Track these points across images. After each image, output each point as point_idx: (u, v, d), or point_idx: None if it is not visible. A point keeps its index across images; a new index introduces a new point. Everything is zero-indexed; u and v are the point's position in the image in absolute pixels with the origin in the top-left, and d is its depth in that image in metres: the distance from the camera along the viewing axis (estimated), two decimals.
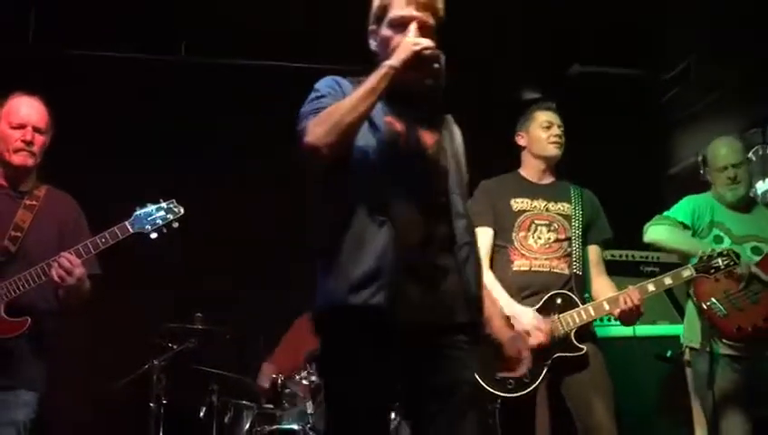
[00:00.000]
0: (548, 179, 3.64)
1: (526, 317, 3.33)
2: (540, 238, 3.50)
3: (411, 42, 2.18)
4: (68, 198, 3.29)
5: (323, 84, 2.35)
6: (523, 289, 3.43)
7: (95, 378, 4.50)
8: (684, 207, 3.80)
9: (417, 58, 2.15)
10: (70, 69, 5.00)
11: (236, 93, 5.14)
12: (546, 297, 3.41)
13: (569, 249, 3.50)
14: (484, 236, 3.48)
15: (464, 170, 2.44)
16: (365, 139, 2.25)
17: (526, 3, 4.80)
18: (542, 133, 3.60)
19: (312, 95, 2.33)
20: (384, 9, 2.34)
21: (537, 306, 3.40)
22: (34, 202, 3.15)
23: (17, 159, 3.10)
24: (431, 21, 2.30)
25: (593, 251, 3.60)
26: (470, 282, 2.30)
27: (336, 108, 2.20)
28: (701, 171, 3.94)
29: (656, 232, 3.76)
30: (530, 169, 3.65)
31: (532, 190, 3.59)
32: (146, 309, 4.59)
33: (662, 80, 5.49)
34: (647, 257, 4.73)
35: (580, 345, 3.37)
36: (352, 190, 2.24)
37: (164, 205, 3.20)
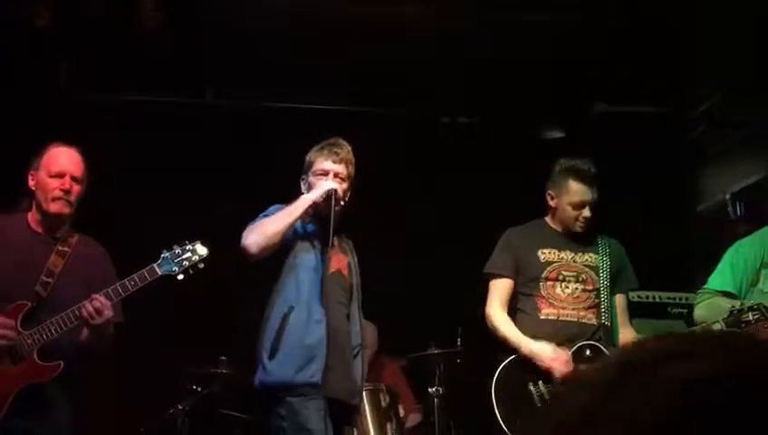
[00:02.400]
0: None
1: (545, 353, 3.34)
2: (567, 288, 3.52)
3: (325, 184, 3.21)
4: (98, 246, 3.35)
5: (270, 209, 3.27)
6: (550, 338, 3.43)
7: (121, 422, 4.49)
8: (724, 269, 3.60)
9: (326, 194, 3.18)
10: (100, 114, 5.08)
11: (263, 136, 5.18)
12: (575, 348, 3.40)
13: (597, 300, 3.51)
14: (503, 286, 3.56)
15: (359, 286, 3.39)
16: (309, 258, 3.21)
17: (551, 41, 4.81)
18: (571, 211, 3.58)
19: (261, 214, 3.26)
20: (311, 164, 3.33)
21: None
22: (66, 248, 3.21)
23: (54, 208, 3.16)
24: (345, 171, 3.30)
25: (618, 300, 3.61)
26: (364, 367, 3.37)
27: (266, 221, 3.18)
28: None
29: (697, 314, 3.62)
30: (557, 223, 3.66)
31: (559, 241, 3.61)
32: (171, 353, 4.59)
33: (688, 118, 5.47)
34: (675, 299, 4.67)
35: None
36: (299, 296, 3.15)
37: (189, 246, 3.26)
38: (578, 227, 3.58)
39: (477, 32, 4.75)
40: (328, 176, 3.25)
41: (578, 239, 3.61)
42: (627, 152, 5.29)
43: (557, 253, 3.57)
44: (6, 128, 4.79)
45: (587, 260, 3.57)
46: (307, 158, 3.35)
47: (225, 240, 4.48)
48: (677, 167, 5.50)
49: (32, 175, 3.21)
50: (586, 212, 3.56)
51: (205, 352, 4.45)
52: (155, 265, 3.17)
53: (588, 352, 3.40)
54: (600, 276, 3.53)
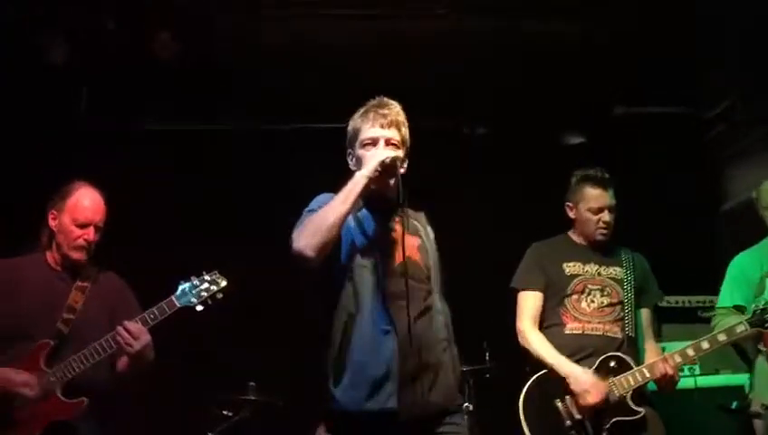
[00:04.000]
0: (599, 243, 3.61)
1: (583, 377, 3.32)
2: (593, 302, 3.49)
3: (372, 154, 2.65)
4: (118, 280, 3.38)
5: (316, 201, 2.71)
6: (576, 352, 3.42)
7: None
8: (727, 286, 3.68)
9: (381, 165, 2.60)
10: (119, 142, 5.14)
11: (282, 159, 5.21)
12: (600, 360, 3.38)
13: (621, 313, 3.48)
14: (534, 300, 3.54)
15: (440, 267, 2.76)
16: (363, 253, 2.62)
17: (569, 47, 4.78)
18: (590, 216, 3.57)
19: (304, 211, 2.69)
20: (356, 133, 2.76)
21: (591, 369, 3.38)
22: (86, 283, 3.24)
23: (76, 256, 3.21)
24: (397, 136, 2.73)
25: (644, 314, 3.58)
26: (450, 374, 2.65)
27: (316, 215, 2.59)
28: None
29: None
30: (580, 236, 3.65)
31: (584, 254, 3.59)
32: (200, 380, 4.63)
33: (707, 117, 5.39)
34: (703, 302, 4.60)
35: (638, 408, 3.32)
36: (357, 302, 2.57)
37: (207, 277, 3.27)
38: (599, 233, 3.55)
39: (489, 41, 4.75)
40: (377, 144, 2.69)
41: (602, 253, 3.59)
42: (648, 154, 5.23)
43: (582, 266, 3.55)
44: (27, 158, 4.87)
45: (611, 273, 3.55)
46: (350, 127, 2.78)
47: (253, 264, 4.57)
48: (700, 167, 5.43)
49: (53, 215, 3.24)
50: (605, 217, 3.54)
51: (234, 378, 4.47)
52: (173, 297, 3.19)
53: (612, 364, 3.37)
54: (624, 289, 3.51)
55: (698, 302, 4.64)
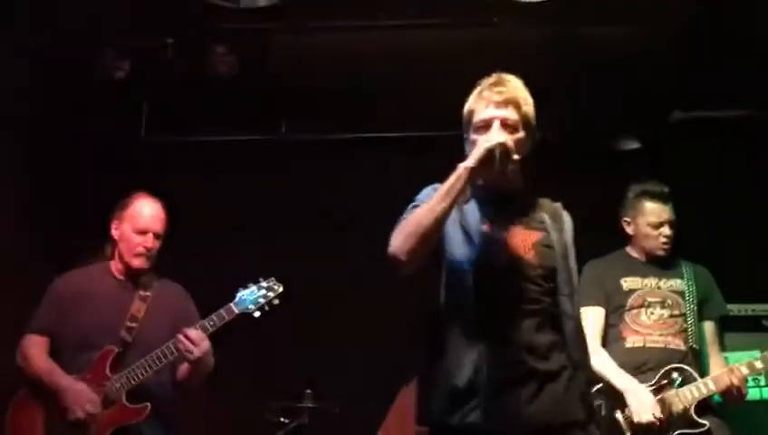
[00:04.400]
0: (658, 257, 3.56)
1: (640, 394, 3.26)
2: (653, 314, 3.44)
3: (484, 140, 2.28)
4: (179, 288, 3.48)
5: (421, 195, 2.42)
6: (638, 366, 3.37)
7: None
8: None
9: (489, 155, 2.24)
10: (180, 156, 5.27)
11: (339, 167, 5.26)
12: (662, 372, 3.33)
13: (684, 325, 3.42)
14: (595, 316, 3.48)
15: (573, 266, 2.44)
16: (461, 250, 2.32)
17: (622, 51, 4.72)
18: (651, 231, 3.52)
19: (410, 205, 2.40)
20: (470, 116, 2.44)
21: (653, 382, 3.33)
22: (148, 293, 3.34)
23: (136, 263, 3.31)
24: (514, 115, 2.37)
25: (708, 327, 3.51)
26: (580, 386, 2.31)
27: (414, 215, 2.28)
28: None
29: None
30: (638, 250, 3.59)
31: (642, 269, 3.54)
32: (258, 387, 4.69)
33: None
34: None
35: (702, 421, 3.26)
36: (450, 304, 2.30)
37: (264, 284, 3.37)
38: (660, 248, 3.50)
39: (542, 48, 4.72)
40: (491, 128, 2.36)
41: (662, 266, 3.54)
42: (707, 160, 5.12)
43: (641, 280, 3.51)
44: (92, 172, 5.03)
45: (672, 286, 3.49)
46: (465, 109, 2.47)
47: (309, 271, 4.63)
48: (760, 173, 5.28)
49: (115, 225, 3.37)
50: (666, 230, 3.49)
51: (290, 385, 4.51)
52: (232, 304, 3.28)
53: (675, 375, 3.33)
54: (686, 301, 3.45)
55: (763, 310, 4.51)
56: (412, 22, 4.55)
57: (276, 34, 4.75)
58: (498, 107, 2.37)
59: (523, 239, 2.37)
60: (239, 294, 3.31)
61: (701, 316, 3.45)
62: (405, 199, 2.46)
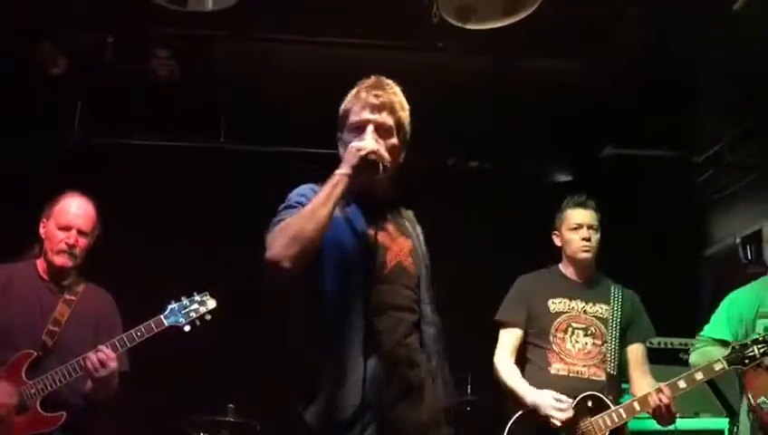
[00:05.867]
0: (588, 276, 3.62)
1: (545, 402, 3.30)
2: (577, 342, 3.49)
3: (356, 147, 2.26)
4: (105, 295, 3.37)
5: (296, 194, 2.37)
6: (561, 393, 3.37)
7: None
8: (720, 318, 3.68)
9: (363, 161, 2.24)
10: (111, 158, 5.15)
11: (275, 180, 5.22)
12: (578, 400, 3.36)
13: (605, 352, 3.47)
14: (512, 336, 3.55)
15: (429, 272, 2.45)
16: (349, 255, 2.28)
17: (557, 86, 4.85)
18: (571, 235, 3.59)
19: (282, 206, 2.35)
20: (346, 115, 2.42)
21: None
22: (73, 297, 3.24)
23: (58, 260, 3.20)
24: (389, 120, 2.37)
25: (634, 351, 3.54)
26: (441, 394, 2.33)
27: (295, 219, 2.21)
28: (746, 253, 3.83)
29: (692, 361, 3.69)
30: (568, 268, 3.65)
31: (570, 290, 3.58)
32: (177, 401, 4.60)
33: (696, 162, 5.46)
34: (686, 344, 4.61)
35: None
36: (336, 311, 2.25)
37: (197, 297, 3.30)
38: (581, 250, 3.55)
39: (484, 76, 4.80)
40: (364, 130, 2.34)
41: (590, 288, 3.59)
42: (635, 196, 5.29)
43: (567, 302, 3.55)
44: (21, 173, 4.87)
45: (597, 311, 3.54)
46: (341, 108, 2.43)
47: (237, 282, 4.56)
48: (686, 211, 5.49)
49: (43, 223, 3.27)
50: (585, 232, 3.55)
51: (212, 399, 4.44)
52: (162, 316, 3.20)
53: (590, 404, 3.36)
54: (608, 329, 3.49)
55: (680, 344, 4.65)
56: (355, 41, 4.56)
57: (219, 42, 4.69)
58: (373, 111, 2.36)
59: (401, 246, 2.39)
60: (170, 307, 3.23)
61: (626, 341, 3.50)
62: None
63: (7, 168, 4.85)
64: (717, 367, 3.30)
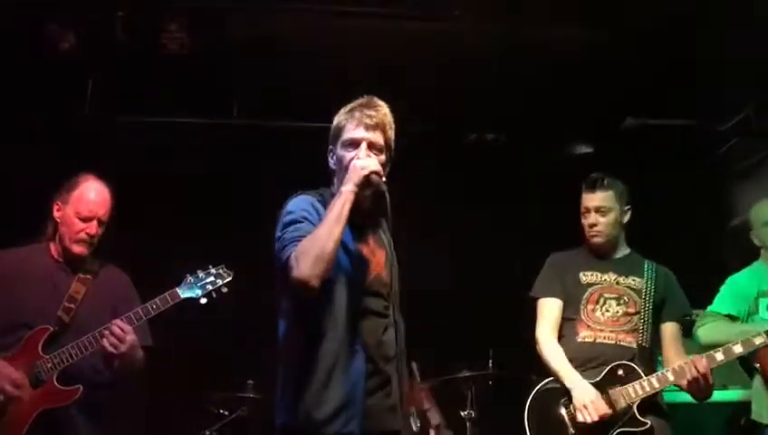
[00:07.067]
0: (619, 253, 3.57)
1: (586, 392, 3.27)
2: (608, 311, 3.44)
3: (360, 166, 2.47)
4: (120, 273, 3.34)
5: (297, 207, 2.55)
6: (587, 361, 3.37)
7: None
8: (723, 296, 3.71)
9: (366, 180, 2.45)
10: (125, 135, 5.09)
11: (288, 154, 5.16)
12: (608, 369, 3.33)
13: (637, 323, 3.41)
14: (552, 308, 3.51)
15: (397, 272, 2.66)
16: (337, 266, 2.46)
17: (579, 55, 4.74)
18: (582, 220, 3.56)
19: (287, 218, 2.53)
20: (339, 131, 2.61)
21: (598, 378, 3.32)
22: (89, 276, 3.21)
23: (77, 249, 3.17)
24: (380, 139, 2.58)
25: (668, 329, 3.48)
26: (404, 383, 2.55)
27: (315, 238, 2.40)
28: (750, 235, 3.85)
29: (702, 334, 3.68)
30: (593, 246, 3.58)
31: (602, 264, 3.54)
32: (198, 377, 4.56)
33: (720, 131, 5.35)
34: None
35: (644, 419, 3.26)
36: (326, 316, 2.45)
37: (213, 270, 3.27)
38: (590, 236, 3.51)
39: (505, 48, 4.71)
40: (359, 148, 2.54)
41: (622, 262, 3.54)
42: (658, 167, 5.19)
43: (599, 275, 3.50)
44: (33, 150, 4.82)
45: (630, 283, 3.48)
46: (334, 123, 2.64)
47: (256, 261, 4.49)
48: (709, 181, 5.38)
49: (58, 206, 3.21)
50: (591, 218, 3.49)
51: (232, 376, 4.40)
52: (177, 288, 3.16)
53: (620, 372, 3.31)
54: (642, 299, 3.43)
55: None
56: (370, 10, 4.48)
57: (231, 14, 4.61)
58: (367, 129, 2.56)
59: (378, 259, 2.61)
60: (186, 279, 3.19)
61: (661, 317, 3.45)
62: None
63: (20, 144, 4.79)
64: (758, 341, 3.26)
